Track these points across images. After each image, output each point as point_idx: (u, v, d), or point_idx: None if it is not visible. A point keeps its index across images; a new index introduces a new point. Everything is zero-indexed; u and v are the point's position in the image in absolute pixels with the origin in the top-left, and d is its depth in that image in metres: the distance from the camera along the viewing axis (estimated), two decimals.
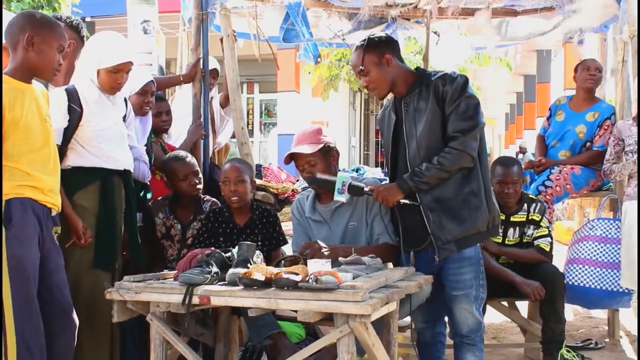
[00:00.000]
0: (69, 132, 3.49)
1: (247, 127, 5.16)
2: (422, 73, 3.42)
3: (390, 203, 3.35)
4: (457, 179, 3.25)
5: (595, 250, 4.91)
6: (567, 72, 14.91)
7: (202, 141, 4.90)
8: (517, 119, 25.54)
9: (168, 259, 4.13)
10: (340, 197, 3.40)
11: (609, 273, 4.80)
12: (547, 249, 4.48)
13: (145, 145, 4.22)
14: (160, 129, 4.75)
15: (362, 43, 3.41)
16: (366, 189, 3.39)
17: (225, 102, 5.40)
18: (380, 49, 3.36)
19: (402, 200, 3.32)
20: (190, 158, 4.23)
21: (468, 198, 3.26)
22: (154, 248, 4.17)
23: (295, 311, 2.64)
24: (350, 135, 18.15)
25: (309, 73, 13.46)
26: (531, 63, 18.44)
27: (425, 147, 3.26)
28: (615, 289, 4.76)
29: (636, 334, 5.43)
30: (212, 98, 5.34)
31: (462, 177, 3.25)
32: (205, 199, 4.31)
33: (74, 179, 3.44)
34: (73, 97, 3.52)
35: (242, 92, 5.62)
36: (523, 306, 5.10)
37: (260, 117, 18.36)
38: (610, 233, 4.93)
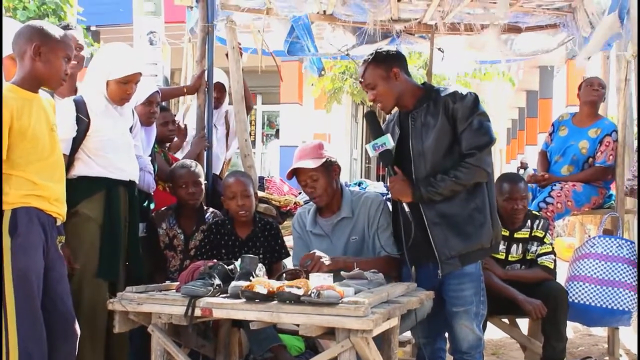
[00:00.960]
0: (76, 142, 3.52)
1: (250, 138, 5.16)
2: (430, 88, 3.43)
3: (394, 197, 3.35)
4: (462, 194, 3.26)
5: (596, 268, 4.91)
6: (569, 88, 14.98)
7: (205, 152, 4.91)
8: (518, 134, 25.58)
9: (170, 269, 4.14)
10: (370, 149, 3.39)
11: (610, 291, 4.79)
12: (552, 267, 4.49)
13: (150, 155, 4.24)
14: (167, 138, 4.79)
15: (370, 57, 3.42)
16: (392, 167, 3.35)
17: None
18: (388, 63, 3.37)
19: (405, 204, 3.31)
20: (196, 167, 4.24)
21: (473, 214, 3.27)
22: (157, 259, 4.18)
23: (297, 325, 2.65)
24: (352, 147, 18.17)
25: (312, 85, 13.50)
26: (534, 79, 18.49)
27: (431, 162, 3.27)
28: (615, 307, 4.75)
29: (636, 352, 5.43)
30: (227, 112, 5.34)
31: (467, 192, 3.26)
32: (208, 210, 4.32)
33: (79, 188, 3.46)
34: (81, 107, 3.55)
35: None
36: (523, 323, 5.10)
37: (263, 128, 18.38)
38: (611, 251, 4.92)
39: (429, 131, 3.27)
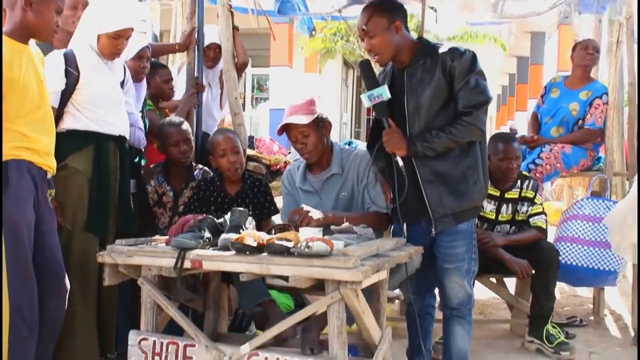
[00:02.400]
0: (65, 96, 3.49)
1: (240, 97, 5.11)
2: (426, 44, 3.37)
3: (389, 150, 3.29)
4: (456, 152, 3.24)
5: (583, 229, 4.96)
6: (560, 54, 14.94)
7: (195, 110, 4.89)
8: (509, 101, 25.56)
9: (160, 226, 4.14)
10: (365, 100, 3.32)
11: (597, 252, 4.84)
12: (544, 227, 4.55)
13: (141, 111, 4.21)
14: (166, 96, 4.79)
15: (374, 4, 3.31)
16: (387, 119, 3.29)
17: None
18: (392, 14, 3.27)
19: (398, 157, 3.26)
20: (184, 125, 4.22)
21: (467, 172, 3.26)
22: (146, 215, 4.17)
23: (287, 281, 2.66)
24: (342, 111, 18.13)
25: (302, 48, 13.41)
26: (525, 44, 18.42)
27: (426, 119, 3.24)
28: (602, 268, 4.81)
29: (620, 312, 5.52)
30: (221, 71, 5.28)
31: (461, 151, 3.25)
32: (196, 167, 4.31)
33: (68, 142, 3.43)
34: (70, 61, 3.51)
35: None
36: (511, 283, 5.15)
37: (252, 91, 18.28)
38: (598, 212, 4.96)
39: (424, 88, 3.24)
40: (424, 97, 3.23)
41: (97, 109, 3.54)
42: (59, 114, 3.44)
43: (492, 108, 33.65)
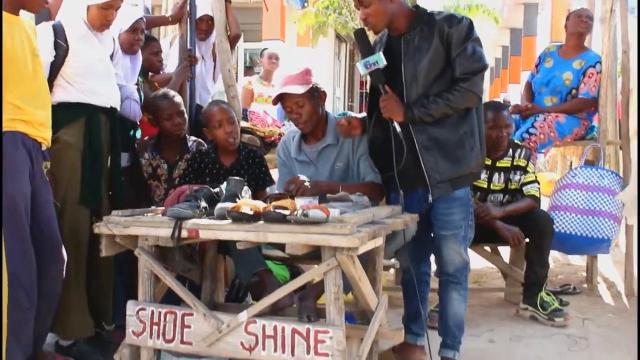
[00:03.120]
0: (55, 68, 3.46)
1: (232, 68, 5.08)
2: (423, 12, 3.35)
3: (386, 115, 3.28)
4: (453, 119, 3.25)
5: (577, 198, 4.98)
6: (554, 25, 14.91)
7: (188, 83, 4.87)
8: (502, 73, 25.50)
9: (155, 199, 4.14)
10: (361, 68, 3.32)
11: (591, 220, 4.87)
12: (538, 195, 4.57)
13: (136, 84, 4.19)
14: (156, 68, 4.76)
15: None
16: (384, 86, 3.29)
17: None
18: None
19: (395, 123, 3.26)
20: (176, 97, 4.21)
21: (463, 138, 3.27)
22: (141, 188, 4.17)
23: (283, 251, 2.67)
24: (335, 86, 18.07)
25: (295, 22, 13.31)
26: (518, 16, 18.36)
27: (424, 86, 3.24)
28: (596, 236, 4.85)
29: (613, 280, 5.56)
30: (214, 44, 5.25)
31: (458, 117, 3.25)
32: (190, 138, 4.30)
33: (59, 115, 3.40)
34: (59, 32, 3.48)
35: None
36: (505, 252, 5.19)
37: (245, 66, 18.15)
38: (592, 181, 4.99)
39: (422, 55, 3.24)
40: (422, 64, 3.23)
41: (87, 81, 3.52)
42: (49, 87, 3.41)
43: (485, 81, 33.55)
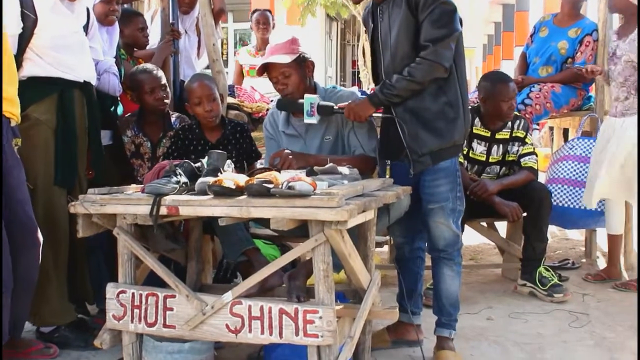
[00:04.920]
0: (23, 41, 3.28)
1: (222, 57, 4.90)
2: None
3: (362, 118, 3.23)
4: (432, 89, 3.09)
5: (574, 170, 4.87)
6: None
7: (171, 58, 4.70)
8: (495, 50, 25.25)
9: (138, 178, 3.98)
10: (311, 120, 3.29)
11: None
12: (535, 167, 4.44)
13: (115, 57, 4.02)
14: (141, 45, 4.59)
15: None
16: (336, 107, 3.28)
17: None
18: None
19: (375, 114, 3.20)
20: (157, 71, 4.05)
21: (444, 109, 3.11)
22: (124, 167, 4.02)
23: (269, 223, 2.52)
24: (326, 65, 17.89)
25: None
26: None
27: (400, 57, 3.10)
28: (593, 208, 4.71)
29: None
30: (198, 18, 5.07)
31: (437, 87, 3.10)
32: (173, 115, 4.14)
33: (30, 90, 3.24)
34: (26, 3, 3.28)
35: None
36: (502, 227, 5.06)
37: (235, 47, 17.93)
38: (590, 152, 4.86)
39: (395, 23, 3.10)
40: (394, 33, 3.10)
41: (58, 54, 3.35)
42: (17, 61, 3.21)
43: (478, 59, 33.40)
